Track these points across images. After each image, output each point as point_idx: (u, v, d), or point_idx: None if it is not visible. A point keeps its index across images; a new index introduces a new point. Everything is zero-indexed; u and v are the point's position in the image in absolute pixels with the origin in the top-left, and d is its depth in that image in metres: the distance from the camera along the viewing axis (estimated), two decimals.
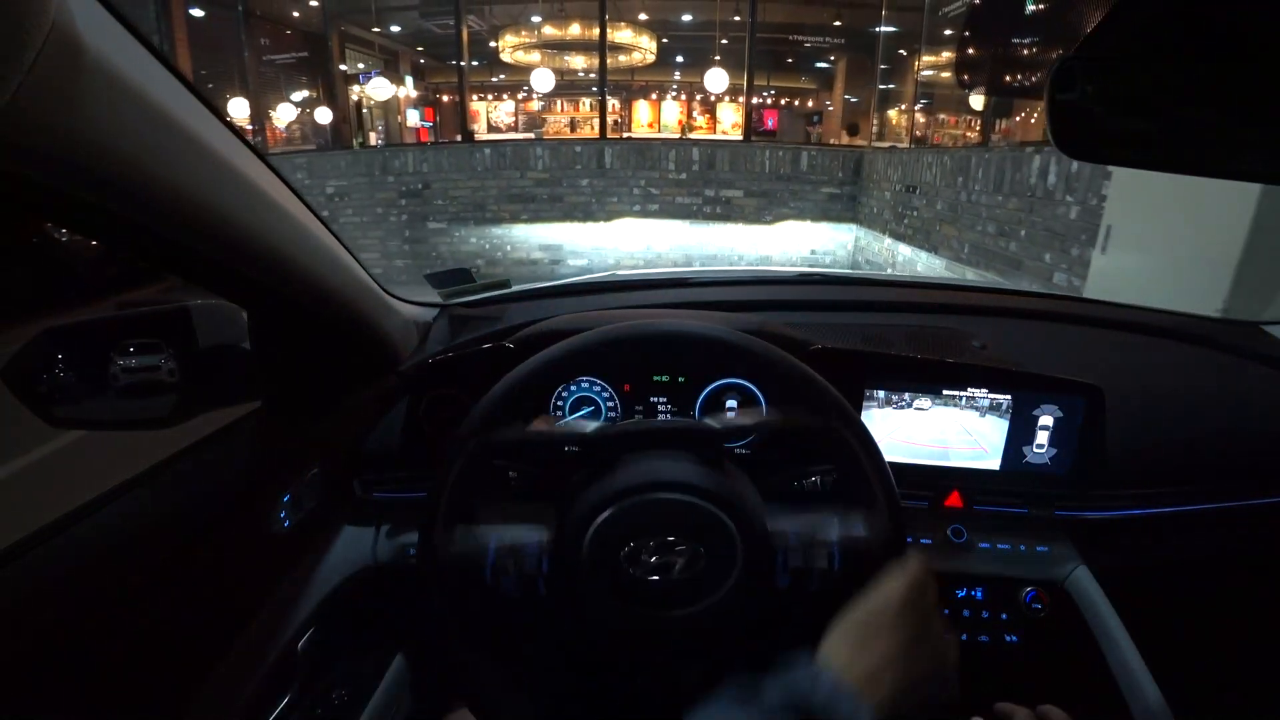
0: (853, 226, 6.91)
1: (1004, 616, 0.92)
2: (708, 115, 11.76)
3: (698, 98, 12.04)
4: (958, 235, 4.62)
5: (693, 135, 9.52)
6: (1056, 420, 0.94)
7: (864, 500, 0.68)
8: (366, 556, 0.91)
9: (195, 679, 0.64)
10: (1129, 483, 0.99)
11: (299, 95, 10.59)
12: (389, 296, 0.93)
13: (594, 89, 12.10)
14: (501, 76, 12.31)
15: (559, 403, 0.97)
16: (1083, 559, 0.94)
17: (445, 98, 12.99)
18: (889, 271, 6.04)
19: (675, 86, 13.12)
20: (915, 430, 0.97)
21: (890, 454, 0.69)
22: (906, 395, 0.95)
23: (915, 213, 5.38)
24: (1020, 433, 0.95)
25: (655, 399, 0.97)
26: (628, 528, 0.63)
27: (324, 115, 10.15)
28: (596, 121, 11.24)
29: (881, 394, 0.95)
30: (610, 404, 0.97)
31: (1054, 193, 3.55)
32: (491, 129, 12.77)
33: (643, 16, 10.27)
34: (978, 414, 0.95)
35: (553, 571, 0.66)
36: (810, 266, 7.18)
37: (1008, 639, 0.93)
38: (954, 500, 0.98)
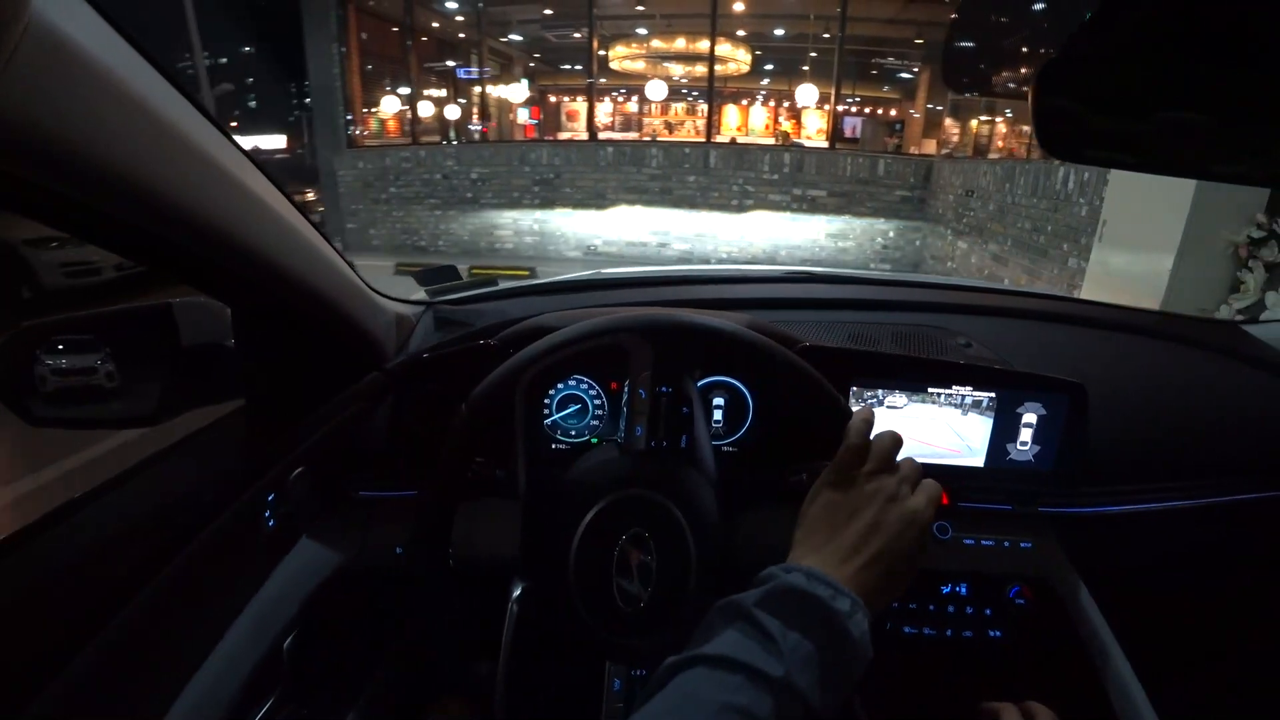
0: (920, 224, 8.09)
1: (988, 612, 0.95)
2: (794, 121, 12.96)
3: (785, 105, 13.29)
4: (1003, 231, 5.81)
5: (792, 142, 10.73)
6: (1040, 418, 0.95)
7: None
8: (352, 556, 0.91)
9: (180, 678, 0.64)
10: (1112, 479, 1.01)
11: (434, 93, 12.43)
12: (375, 294, 0.94)
13: (684, 93, 13.57)
14: (603, 80, 13.83)
15: (545, 401, 0.98)
16: (1066, 554, 0.96)
17: (552, 98, 14.72)
18: (950, 263, 7.21)
19: (764, 93, 14.41)
20: (900, 428, 0.91)
21: None
22: (892, 393, 0.96)
23: (972, 213, 6.55)
24: (1004, 430, 0.96)
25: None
26: (617, 524, 0.67)
27: (453, 112, 11.94)
28: (687, 124, 12.67)
29: (867, 392, 0.96)
30: (598, 402, 0.98)
31: (1072, 195, 4.75)
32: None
33: (740, 32, 11.64)
34: (962, 412, 0.96)
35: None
36: (881, 261, 8.37)
37: (992, 634, 0.95)
38: None
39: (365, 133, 11.03)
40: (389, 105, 10.81)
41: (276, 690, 0.80)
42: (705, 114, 10.38)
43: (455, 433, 0.69)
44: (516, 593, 0.72)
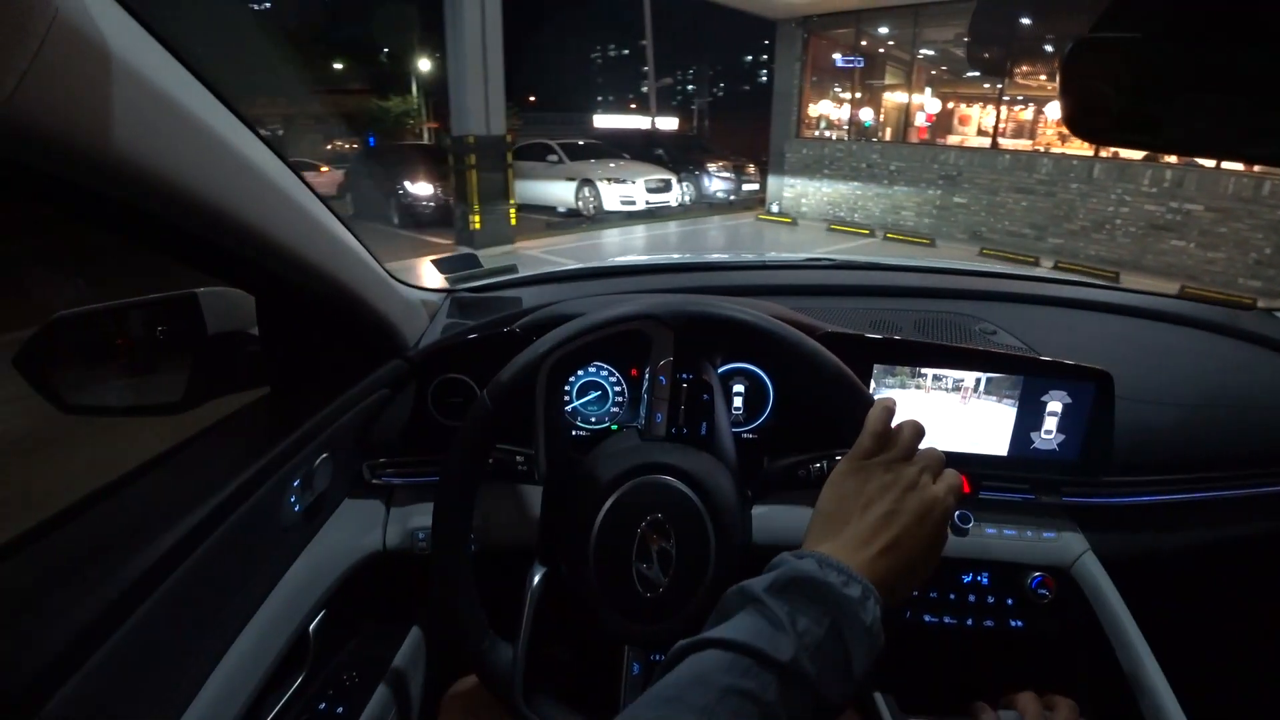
0: None
1: (1010, 602, 0.99)
2: None
3: None
4: None
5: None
6: (1065, 406, 0.98)
7: None
8: (375, 541, 0.97)
9: (209, 660, 0.67)
10: (1138, 469, 1.04)
11: (847, 98, 16.01)
12: (396, 282, 0.99)
13: None
14: (999, 87, 16.02)
15: (565, 387, 1.01)
16: (1090, 545, 0.99)
17: (949, 104, 17.33)
18: None
19: None
20: (921, 415, 0.94)
21: None
22: (914, 381, 0.99)
23: None
24: (1028, 419, 0.99)
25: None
26: (638, 509, 0.70)
27: (866, 114, 15.37)
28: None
29: (888, 379, 0.99)
30: (617, 389, 1.03)
31: None
32: (980, 133, 16.67)
33: None
34: (986, 399, 0.99)
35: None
36: (1252, 277, 9.44)
37: (1013, 624, 0.99)
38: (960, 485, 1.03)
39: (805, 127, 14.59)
40: (822, 108, 14.63)
41: (303, 671, 0.85)
42: None
43: (475, 418, 0.72)
44: (537, 577, 0.75)
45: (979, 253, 10.54)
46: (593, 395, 1.04)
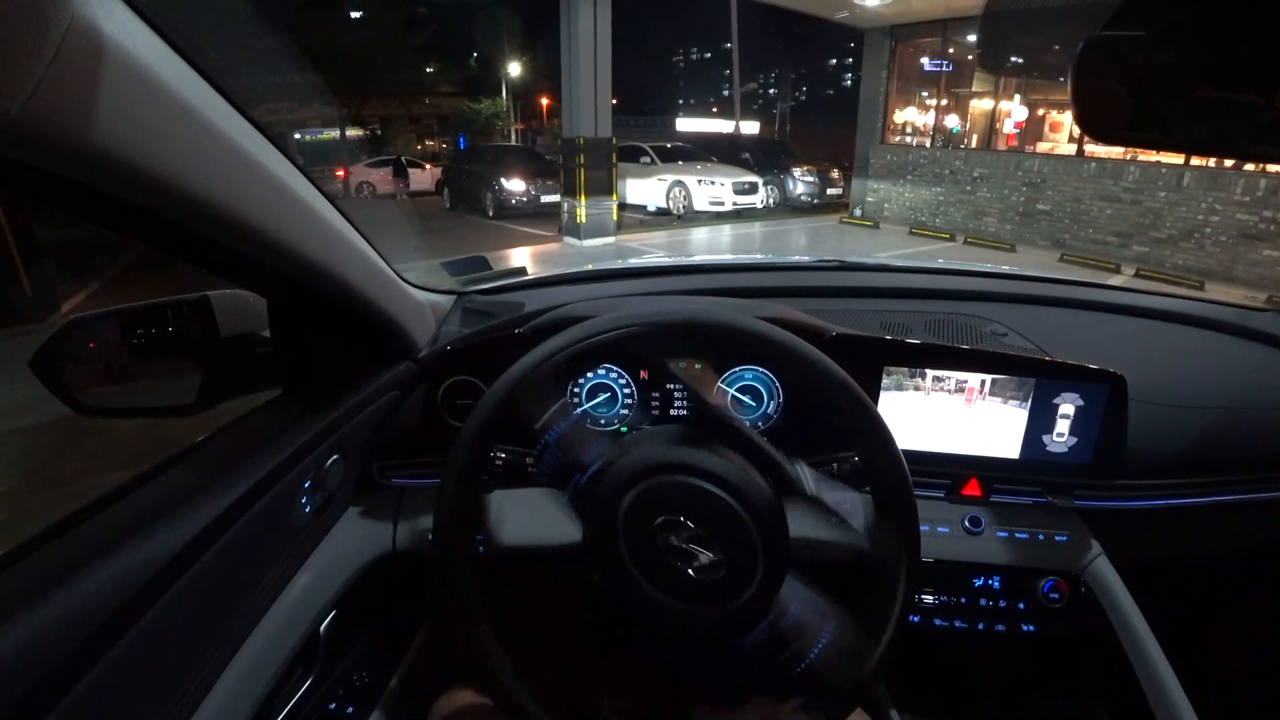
0: None
1: (1021, 606, 1.00)
2: None
3: None
4: None
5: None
6: (1078, 409, 0.98)
7: (879, 503, 0.70)
8: (385, 542, 0.99)
9: (221, 659, 0.68)
10: (1152, 472, 1.04)
11: (933, 104, 16.39)
12: (406, 284, 1.00)
13: None
14: None
15: (575, 389, 1.04)
16: (1103, 549, 0.99)
17: (1040, 111, 17.45)
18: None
19: None
20: (932, 418, 1.00)
21: (907, 442, 0.67)
22: (924, 383, 0.99)
23: None
24: (1040, 421, 1.00)
25: (671, 386, 1.02)
26: (662, 501, 0.67)
27: (953, 120, 15.73)
28: None
29: (898, 382, 1.00)
30: (627, 391, 1.04)
31: None
32: (1071, 140, 16.77)
33: None
34: (997, 402, 0.99)
35: (583, 554, 0.71)
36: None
37: (1024, 629, 0.99)
38: (971, 488, 1.04)
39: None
40: (907, 114, 15.11)
41: (313, 671, 0.87)
42: None
43: (475, 420, 0.72)
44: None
45: (1059, 258, 10.86)
46: (603, 397, 1.06)
